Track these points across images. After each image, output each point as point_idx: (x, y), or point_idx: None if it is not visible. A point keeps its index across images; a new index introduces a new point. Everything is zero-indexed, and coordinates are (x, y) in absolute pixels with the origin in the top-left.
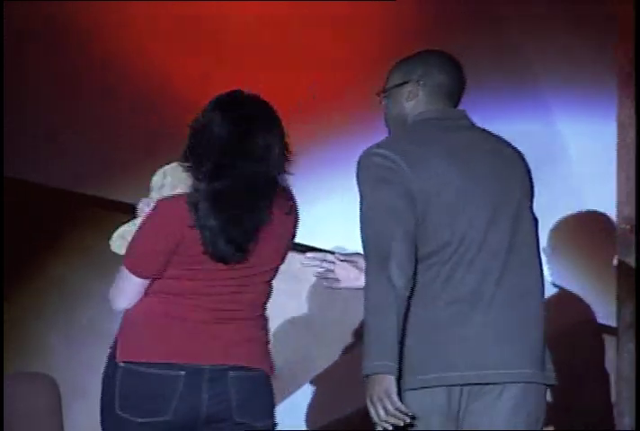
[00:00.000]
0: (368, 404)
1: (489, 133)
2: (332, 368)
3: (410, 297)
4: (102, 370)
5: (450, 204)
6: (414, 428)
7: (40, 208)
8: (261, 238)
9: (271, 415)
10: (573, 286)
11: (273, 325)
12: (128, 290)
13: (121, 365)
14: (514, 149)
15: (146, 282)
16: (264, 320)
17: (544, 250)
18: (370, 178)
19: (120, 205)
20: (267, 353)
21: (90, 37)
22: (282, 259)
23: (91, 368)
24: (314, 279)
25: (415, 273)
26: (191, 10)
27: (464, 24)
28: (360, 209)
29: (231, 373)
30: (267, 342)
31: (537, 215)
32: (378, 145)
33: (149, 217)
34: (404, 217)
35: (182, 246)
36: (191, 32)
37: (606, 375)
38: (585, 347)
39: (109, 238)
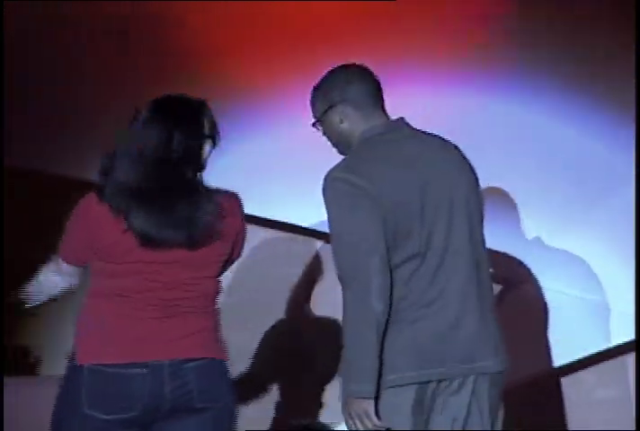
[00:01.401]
0: (346, 417)
1: (431, 135)
2: None
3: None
4: None
5: (414, 213)
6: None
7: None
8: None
9: (231, 394)
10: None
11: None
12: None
13: (85, 366)
14: (454, 146)
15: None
16: (214, 312)
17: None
18: (338, 204)
19: None
20: (218, 341)
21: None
22: (229, 256)
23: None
24: None
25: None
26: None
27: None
28: (332, 235)
29: (188, 364)
30: (218, 331)
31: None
32: (339, 169)
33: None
34: (377, 244)
35: (104, 241)
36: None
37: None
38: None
39: None
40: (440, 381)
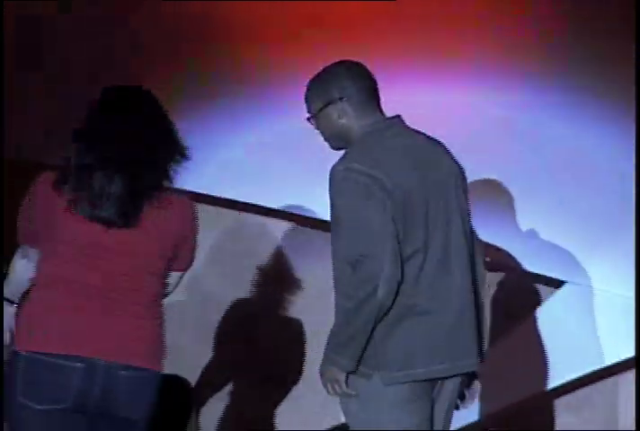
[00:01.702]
0: (322, 380)
1: (420, 133)
2: None
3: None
4: (233, 369)
5: (419, 208)
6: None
7: None
8: (133, 227)
9: (152, 408)
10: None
11: None
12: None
13: (23, 353)
14: (441, 143)
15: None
16: (160, 315)
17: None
18: (352, 195)
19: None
20: (160, 351)
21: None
22: (173, 256)
23: (223, 368)
24: None
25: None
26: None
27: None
28: (342, 225)
29: (122, 373)
30: (162, 339)
31: None
32: (349, 161)
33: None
34: (389, 237)
35: (51, 224)
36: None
37: None
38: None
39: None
40: (437, 378)
